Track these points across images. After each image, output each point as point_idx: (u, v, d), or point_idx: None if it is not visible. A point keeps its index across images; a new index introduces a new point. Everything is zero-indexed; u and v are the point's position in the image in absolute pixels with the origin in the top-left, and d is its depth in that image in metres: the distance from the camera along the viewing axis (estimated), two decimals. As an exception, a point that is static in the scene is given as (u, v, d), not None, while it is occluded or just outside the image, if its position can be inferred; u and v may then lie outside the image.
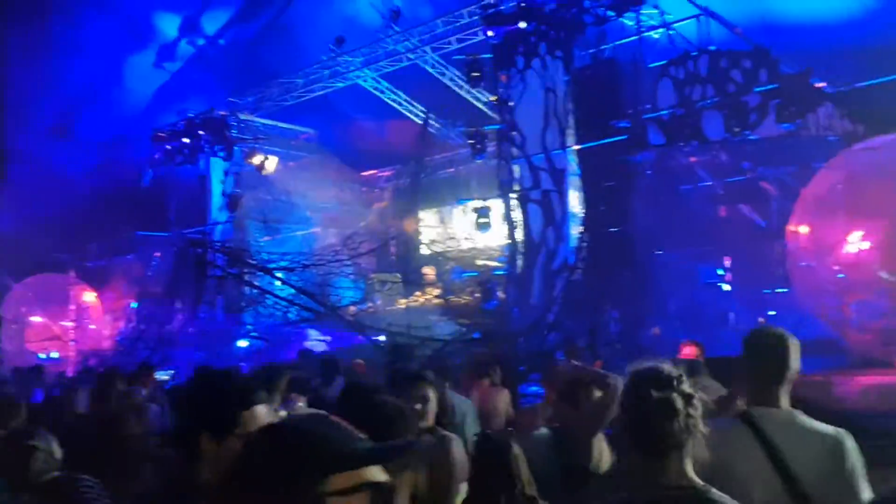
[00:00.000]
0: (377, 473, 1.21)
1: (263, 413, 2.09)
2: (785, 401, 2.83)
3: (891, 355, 8.83)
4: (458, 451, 3.66)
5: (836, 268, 9.46)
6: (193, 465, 2.01)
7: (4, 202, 16.31)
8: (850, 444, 2.68)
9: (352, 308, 17.02)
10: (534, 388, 8.62)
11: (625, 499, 2.23)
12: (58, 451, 3.18)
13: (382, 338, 13.07)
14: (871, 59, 10.19)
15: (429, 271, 17.97)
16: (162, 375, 10.05)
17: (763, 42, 10.43)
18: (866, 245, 9.20)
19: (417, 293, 17.22)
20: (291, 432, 1.27)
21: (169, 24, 19.71)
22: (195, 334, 15.36)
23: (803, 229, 9.88)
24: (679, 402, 2.15)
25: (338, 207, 20.18)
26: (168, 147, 18.61)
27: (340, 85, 17.28)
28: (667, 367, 2.26)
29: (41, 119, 18.82)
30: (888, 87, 10.28)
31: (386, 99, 18.23)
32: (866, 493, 2.58)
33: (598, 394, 4.28)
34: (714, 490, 2.14)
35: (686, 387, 2.20)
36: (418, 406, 3.67)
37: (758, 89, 10.13)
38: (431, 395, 3.81)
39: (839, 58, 10.17)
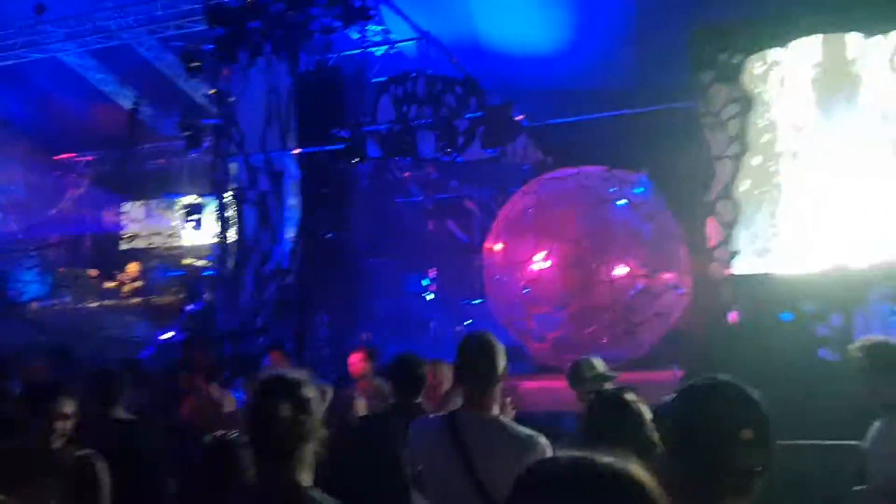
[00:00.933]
0: None
1: None
2: (491, 404, 3.03)
3: (563, 363, 10.05)
4: (103, 470, 3.52)
5: (523, 283, 10.55)
6: None
7: None
8: (541, 446, 2.94)
9: (34, 304, 15.40)
10: (238, 395, 8.51)
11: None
12: None
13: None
14: (562, 99, 11.64)
15: (131, 268, 16.81)
16: None
17: (474, 72, 11.38)
18: (548, 264, 10.39)
19: (112, 284, 16.03)
20: None
21: None
22: None
23: (498, 247, 10.88)
24: (286, 410, 2.18)
25: (24, 191, 18.04)
26: None
27: (37, 56, 15.50)
28: (291, 374, 2.32)
29: None
30: (573, 126, 11.84)
31: (91, 78, 16.69)
32: None
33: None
34: (317, 492, 2.21)
35: (305, 392, 2.24)
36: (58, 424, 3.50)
37: (467, 115, 11.01)
38: (70, 409, 3.59)
39: (536, 95, 11.43)
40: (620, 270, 10.35)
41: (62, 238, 17.26)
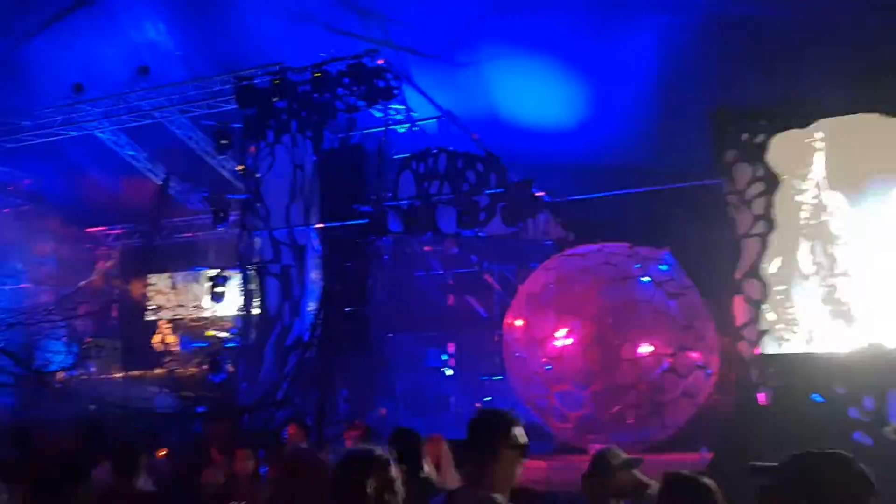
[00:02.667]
0: None
1: None
2: (491, 482, 2.91)
3: (586, 442, 9.78)
4: None
5: (545, 360, 10.35)
6: None
7: None
8: None
9: (60, 374, 15.46)
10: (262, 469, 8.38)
11: None
12: None
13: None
14: (583, 175, 11.66)
15: (169, 339, 17.05)
16: None
17: (494, 148, 11.49)
18: (570, 341, 10.21)
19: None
20: None
21: None
22: None
23: (518, 322, 10.74)
24: (370, 487, 2.19)
25: (55, 263, 18.39)
26: None
27: (74, 133, 16.01)
28: (377, 450, 2.32)
29: None
30: (595, 202, 11.81)
31: (124, 154, 17.17)
32: None
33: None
34: None
35: (391, 472, 2.26)
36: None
37: (488, 191, 11.06)
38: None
39: (558, 171, 11.47)
40: (645, 349, 10.13)
41: (90, 309, 17.43)
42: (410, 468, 4.29)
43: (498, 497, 2.91)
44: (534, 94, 11.10)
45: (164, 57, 15.33)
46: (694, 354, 10.14)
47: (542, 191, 11.07)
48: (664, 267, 10.48)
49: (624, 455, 4.68)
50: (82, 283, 17.97)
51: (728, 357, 10.27)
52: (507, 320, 10.91)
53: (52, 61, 15.78)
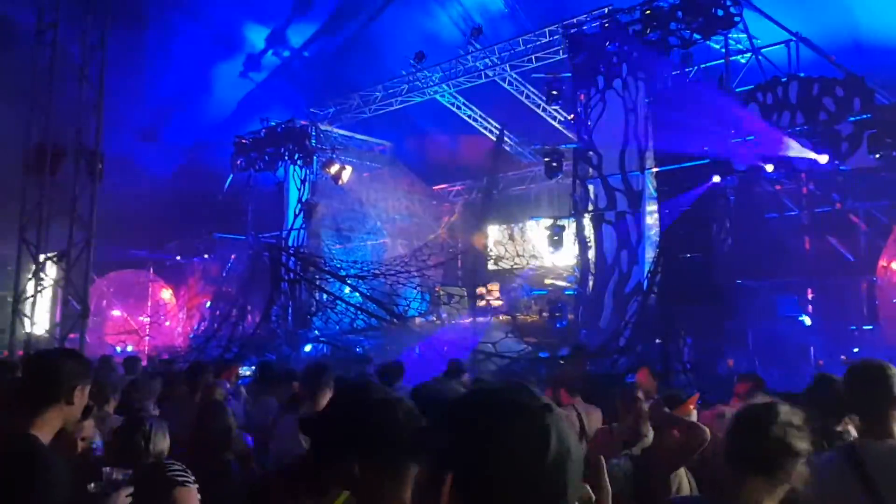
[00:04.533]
0: None
1: None
2: (892, 429, 2.78)
3: None
4: None
5: (930, 307, 9.03)
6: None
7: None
8: None
9: (417, 319, 17.07)
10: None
11: None
12: (166, 438, 3.32)
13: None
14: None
15: (492, 287, 18.05)
16: (244, 370, 10.19)
17: (856, 70, 10.09)
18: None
19: (481, 303, 17.17)
20: None
21: (257, 36, 20.22)
22: (265, 336, 15.56)
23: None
24: (777, 431, 2.17)
25: (408, 219, 20.35)
26: (249, 154, 19.05)
27: (418, 99, 17.44)
28: (784, 406, 2.25)
29: (133, 122, 19.57)
30: None
31: (462, 115, 18.30)
32: None
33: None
34: None
35: (793, 419, 2.21)
36: None
37: (851, 118, 9.77)
38: None
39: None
40: None
41: (439, 260, 18.99)
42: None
43: None
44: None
45: (494, 16, 15.94)
46: None
47: (920, 112, 9.49)
48: None
49: None
50: (431, 236, 19.61)
51: None
52: (882, 263, 9.65)
53: (396, 34, 17.30)
